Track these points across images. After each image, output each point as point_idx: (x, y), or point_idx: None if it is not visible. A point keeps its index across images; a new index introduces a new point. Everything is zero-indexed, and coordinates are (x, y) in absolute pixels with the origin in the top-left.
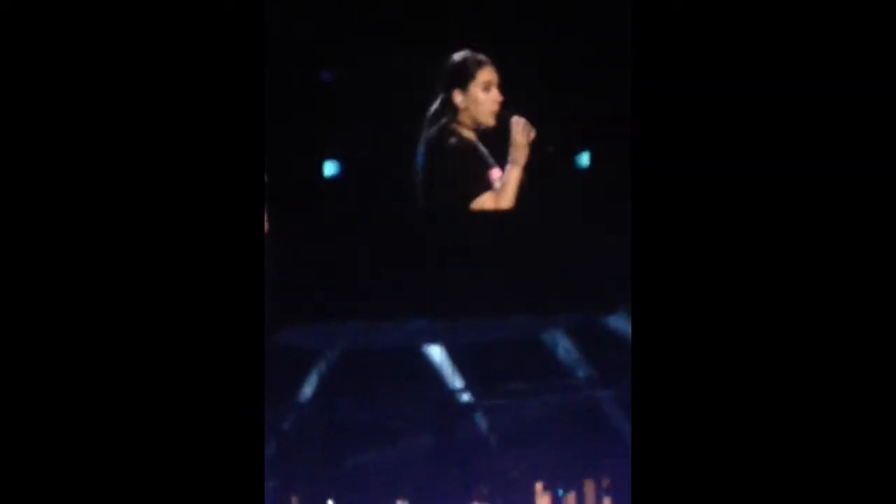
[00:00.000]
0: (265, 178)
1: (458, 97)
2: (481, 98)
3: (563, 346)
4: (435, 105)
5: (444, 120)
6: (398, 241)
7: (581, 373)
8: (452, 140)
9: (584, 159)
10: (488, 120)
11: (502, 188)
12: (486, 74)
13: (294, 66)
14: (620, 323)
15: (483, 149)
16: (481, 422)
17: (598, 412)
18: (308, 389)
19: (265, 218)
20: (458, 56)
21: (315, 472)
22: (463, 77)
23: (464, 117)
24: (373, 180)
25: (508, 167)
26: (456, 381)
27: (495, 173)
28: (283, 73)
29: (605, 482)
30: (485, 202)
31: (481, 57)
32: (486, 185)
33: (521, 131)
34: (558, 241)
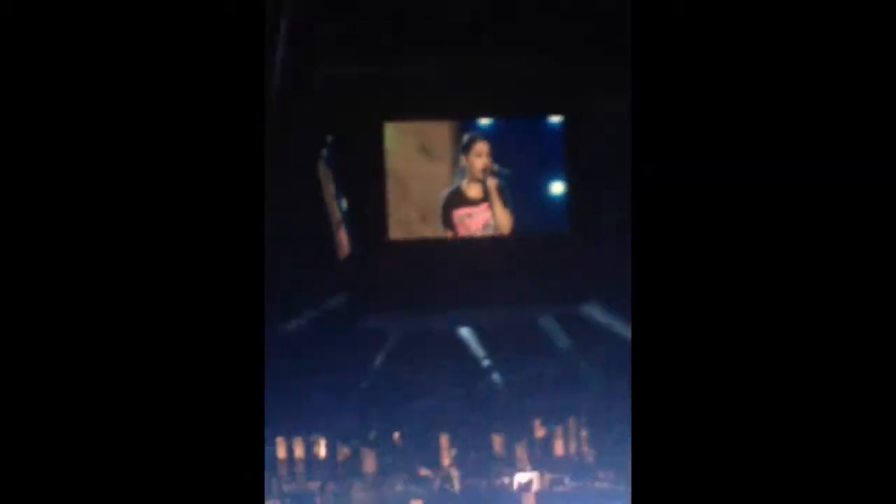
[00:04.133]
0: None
1: (463, 160)
2: (474, 162)
3: (553, 328)
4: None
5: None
6: (441, 259)
7: (565, 345)
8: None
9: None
10: (479, 176)
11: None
12: (478, 147)
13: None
14: (593, 311)
15: (471, 194)
16: (497, 379)
17: (577, 372)
18: (380, 358)
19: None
20: (465, 135)
21: (384, 415)
22: (465, 148)
23: (469, 173)
24: None
25: None
26: (480, 352)
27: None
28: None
29: (583, 419)
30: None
31: (476, 134)
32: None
33: None
34: (551, 258)
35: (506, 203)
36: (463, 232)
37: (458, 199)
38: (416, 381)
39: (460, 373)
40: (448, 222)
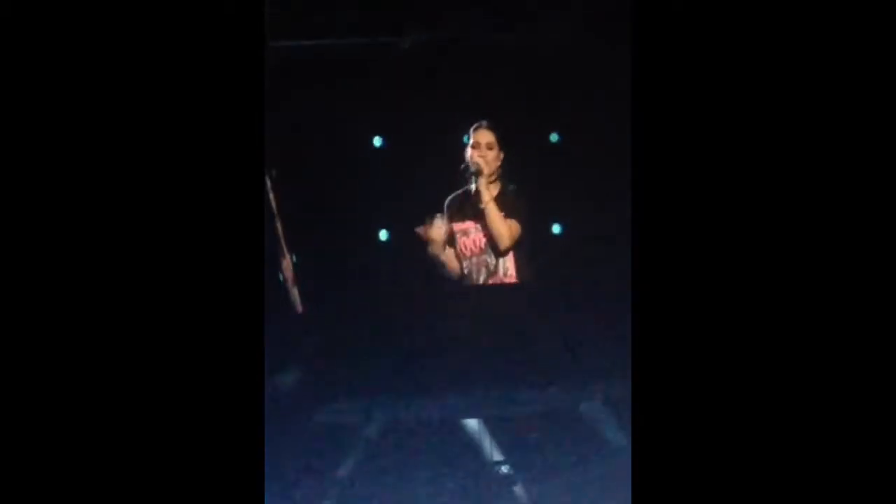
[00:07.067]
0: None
1: (468, 154)
2: (474, 154)
3: (601, 415)
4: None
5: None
6: (430, 315)
7: (622, 440)
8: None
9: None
10: (482, 169)
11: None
12: (479, 136)
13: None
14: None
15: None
16: (521, 494)
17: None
18: (351, 463)
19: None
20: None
21: None
22: (470, 138)
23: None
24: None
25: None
26: (494, 453)
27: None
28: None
29: None
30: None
31: (480, 122)
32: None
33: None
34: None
35: (512, 213)
36: (464, 253)
37: (464, 202)
38: (402, 500)
39: (467, 485)
40: (451, 239)
